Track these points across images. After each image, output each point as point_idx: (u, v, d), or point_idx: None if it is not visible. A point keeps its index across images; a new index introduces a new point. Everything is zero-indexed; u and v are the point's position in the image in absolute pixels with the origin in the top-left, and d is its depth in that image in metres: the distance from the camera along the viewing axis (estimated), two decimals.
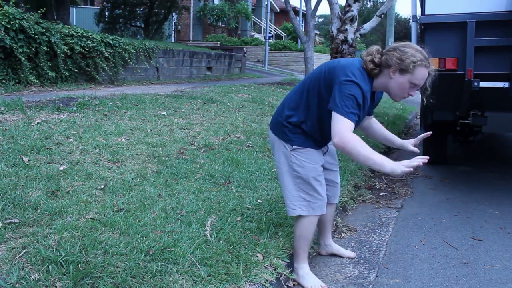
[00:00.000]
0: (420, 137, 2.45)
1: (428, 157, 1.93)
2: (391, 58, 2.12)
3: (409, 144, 2.44)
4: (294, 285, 2.39)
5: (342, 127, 2.02)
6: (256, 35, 23.95)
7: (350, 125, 2.03)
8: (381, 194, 4.17)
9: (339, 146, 2.03)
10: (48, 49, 6.58)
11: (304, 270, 2.41)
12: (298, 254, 2.43)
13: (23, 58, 6.16)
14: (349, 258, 2.79)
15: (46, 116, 4.31)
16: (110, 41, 7.92)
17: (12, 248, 2.04)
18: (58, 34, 6.81)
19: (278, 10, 30.63)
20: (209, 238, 2.41)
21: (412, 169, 1.90)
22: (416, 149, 2.42)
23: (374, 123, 2.55)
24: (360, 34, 13.00)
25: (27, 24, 6.30)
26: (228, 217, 2.69)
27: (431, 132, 2.44)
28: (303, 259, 2.42)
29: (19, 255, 1.99)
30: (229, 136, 4.74)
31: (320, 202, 2.35)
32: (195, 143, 4.25)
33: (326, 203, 2.39)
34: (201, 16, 21.70)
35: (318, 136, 2.32)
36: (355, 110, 2.04)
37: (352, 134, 2.02)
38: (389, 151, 6.05)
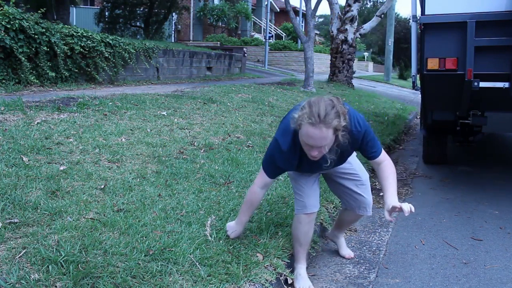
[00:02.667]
0: (398, 208, 2.09)
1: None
2: None
3: (386, 210, 2.14)
4: (291, 283, 2.40)
5: (256, 179, 2.38)
6: (256, 35, 23.95)
7: (263, 175, 2.32)
8: (381, 194, 4.16)
9: None
10: (48, 49, 6.58)
11: (297, 271, 2.42)
12: (294, 253, 2.46)
13: (23, 58, 6.16)
14: (349, 258, 2.80)
15: (46, 116, 4.31)
16: (110, 41, 7.91)
17: (12, 248, 2.04)
18: (58, 34, 6.81)
19: (278, 10, 30.63)
20: (209, 238, 2.41)
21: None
22: (388, 218, 2.14)
23: (380, 171, 2.29)
24: (360, 34, 13.04)
25: (27, 24, 6.30)
26: (228, 217, 2.69)
27: (393, 220, 2.20)
28: (297, 259, 2.44)
29: (19, 255, 1.99)
30: (229, 136, 4.74)
31: (301, 203, 2.38)
32: (195, 143, 4.25)
33: (309, 206, 2.38)
34: (201, 16, 21.71)
35: None
36: (269, 165, 2.28)
37: (254, 188, 2.35)
38: (389, 151, 6.05)
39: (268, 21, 19.89)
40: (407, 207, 2.05)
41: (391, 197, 2.16)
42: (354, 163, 2.53)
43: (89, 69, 7.46)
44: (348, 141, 2.07)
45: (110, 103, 5.23)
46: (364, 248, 2.97)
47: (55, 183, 2.80)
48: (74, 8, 18.47)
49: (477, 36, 3.55)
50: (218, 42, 18.96)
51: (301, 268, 2.42)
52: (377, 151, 2.25)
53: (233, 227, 2.43)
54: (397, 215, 3.58)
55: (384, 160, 2.28)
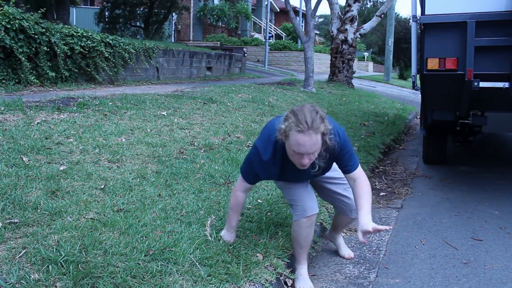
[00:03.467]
0: (375, 229, 2.10)
1: None
2: None
3: (360, 231, 2.12)
4: (291, 284, 2.40)
5: (237, 181, 2.43)
6: (256, 35, 23.95)
7: (242, 181, 2.37)
8: (381, 194, 4.16)
9: None
10: (48, 49, 6.58)
11: (299, 271, 2.42)
12: (294, 254, 2.46)
13: (23, 58, 6.16)
14: (348, 258, 2.80)
15: (46, 116, 4.31)
16: (110, 41, 7.92)
17: (12, 248, 2.04)
18: (58, 34, 6.81)
19: (278, 10, 30.63)
20: (209, 238, 2.42)
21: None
22: (361, 239, 2.12)
23: (355, 187, 2.26)
24: (360, 34, 13.03)
25: (27, 24, 6.30)
26: None
27: (366, 242, 2.16)
28: (298, 260, 2.44)
29: (19, 255, 1.99)
30: (229, 136, 4.74)
31: (299, 207, 2.35)
32: (195, 143, 4.25)
33: (309, 209, 2.35)
34: (201, 16, 21.71)
35: None
36: (247, 171, 2.32)
37: (236, 193, 2.39)
38: (389, 151, 6.05)
39: (268, 21, 19.89)
40: (382, 227, 2.09)
41: (365, 218, 2.13)
42: (338, 169, 2.50)
43: (89, 69, 7.46)
44: (331, 148, 2.11)
45: (110, 103, 5.23)
46: (364, 248, 2.96)
47: (55, 183, 2.80)
48: (74, 8, 18.46)
49: (477, 36, 3.55)
50: (218, 42, 18.96)
51: (302, 268, 2.42)
52: (354, 165, 2.26)
53: (226, 235, 2.45)
54: (397, 215, 3.57)
55: (360, 177, 2.26)
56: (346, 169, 2.27)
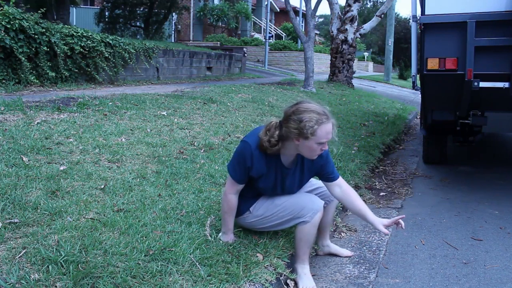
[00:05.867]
0: (395, 219, 2.33)
1: None
2: (289, 131, 2.16)
3: (381, 224, 2.32)
4: (294, 285, 2.39)
5: (226, 184, 2.40)
6: (256, 35, 23.95)
7: (232, 183, 2.35)
8: (381, 194, 4.16)
9: None
10: (48, 49, 6.58)
11: (302, 270, 2.41)
12: (299, 254, 2.44)
13: (23, 58, 6.16)
14: (347, 257, 2.80)
15: (46, 116, 4.31)
16: (110, 41, 7.92)
17: (12, 248, 2.04)
18: (58, 34, 6.81)
19: (278, 10, 30.65)
20: (209, 238, 2.42)
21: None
22: (386, 231, 2.32)
23: (346, 194, 2.41)
24: (360, 34, 13.04)
25: (27, 24, 6.30)
26: None
27: (403, 216, 2.34)
28: (304, 260, 2.43)
29: (19, 255, 1.99)
30: (229, 136, 4.74)
31: (311, 206, 2.37)
32: (195, 143, 4.25)
33: (318, 201, 2.40)
34: (201, 16, 21.72)
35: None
36: (237, 168, 2.30)
37: (228, 196, 2.36)
38: (389, 151, 6.05)
39: (268, 21, 19.89)
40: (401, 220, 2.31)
41: (377, 218, 2.36)
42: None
43: (89, 69, 7.46)
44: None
45: (110, 103, 5.23)
46: (364, 248, 2.96)
47: (55, 183, 2.80)
48: (74, 8, 18.48)
49: (477, 36, 3.55)
50: (218, 42, 18.96)
51: (306, 268, 2.42)
52: (337, 173, 2.44)
53: (225, 237, 2.45)
54: (397, 215, 3.57)
55: (344, 183, 2.44)
56: (331, 177, 2.40)
